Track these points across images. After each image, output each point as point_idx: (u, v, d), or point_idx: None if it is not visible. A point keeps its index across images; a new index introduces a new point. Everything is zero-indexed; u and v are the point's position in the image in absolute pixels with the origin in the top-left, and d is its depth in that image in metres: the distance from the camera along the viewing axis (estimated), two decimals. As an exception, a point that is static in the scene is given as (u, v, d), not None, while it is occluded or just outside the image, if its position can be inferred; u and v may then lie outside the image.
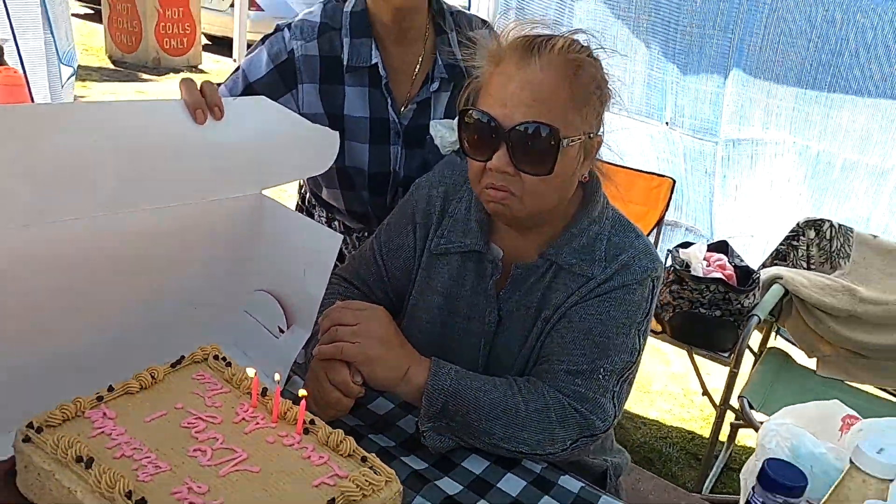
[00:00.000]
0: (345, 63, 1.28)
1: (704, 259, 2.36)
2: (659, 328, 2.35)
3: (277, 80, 1.28)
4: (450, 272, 1.13)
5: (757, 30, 2.10)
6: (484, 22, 1.40)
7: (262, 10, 9.63)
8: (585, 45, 0.98)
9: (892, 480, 0.74)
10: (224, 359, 0.89)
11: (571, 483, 0.96)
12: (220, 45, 9.50)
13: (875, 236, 2.34)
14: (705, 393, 2.42)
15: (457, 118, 1.01)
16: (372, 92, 1.31)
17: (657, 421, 2.65)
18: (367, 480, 0.72)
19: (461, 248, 1.11)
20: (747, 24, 2.11)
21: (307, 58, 1.28)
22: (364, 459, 0.76)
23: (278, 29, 1.31)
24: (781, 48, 2.09)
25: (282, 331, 1.09)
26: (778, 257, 2.48)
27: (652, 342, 2.67)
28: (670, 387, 2.86)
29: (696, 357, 2.34)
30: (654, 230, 2.66)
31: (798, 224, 2.42)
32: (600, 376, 1.01)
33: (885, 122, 2.01)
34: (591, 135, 0.99)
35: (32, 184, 0.79)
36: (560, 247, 1.04)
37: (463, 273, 1.11)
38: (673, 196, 2.55)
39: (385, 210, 1.30)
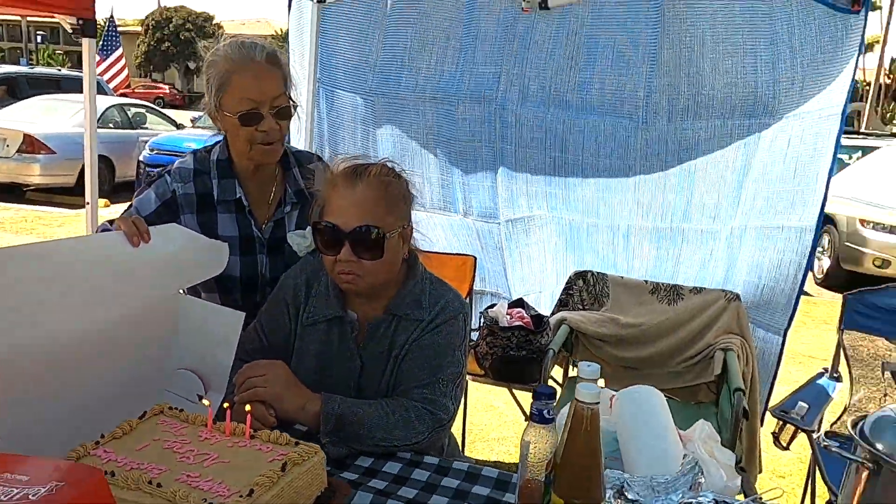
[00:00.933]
0: (216, 198, 1.72)
1: (507, 313, 2.98)
2: (482, 372, 2.91)
3: (164, 213, 1.67)
4: (320, 336, 1.56)
5: (511, 139, 2.87)
6: (318, 157, 1.92)
7: (55, 153, 9.40)
8: (391, 167, 1.53)
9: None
10: (177, 408, 1.24)
11: (429, 457, 1.42)
12: (7, 192, 9.18)
13: (622, 277, 3.13)
14: (527, 418, 2.99)
15: (308, 228, 1.49)
16: (239, 216, 1.75)
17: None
18: (302, 453, 1.12)
19: (326, 317, 1.56)
20: (504, 136, 2.89)
21: (186, 195, 1.70)
22: (297, 443, 1.16)
23: (160, 175, 1.72)
24: (530, 150, 2.87)
25: (200, 398, 1.44)
26: (561, 304, 3.18)
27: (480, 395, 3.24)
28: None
29: (516, 392, 2.93)
30: (468, 299, 3.27)
31: (570, 277, 3.14)
32: (440, 385, 1.50)
33: (607, 193, 2.82)
34: (405, 226, 1.51)
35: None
36: (398, 304, 1.53)
37: (330, 335, 1.56)
38: (476, 270, 3.18)
39: (256, 306, 1.70)
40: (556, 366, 2.93)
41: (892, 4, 25.16)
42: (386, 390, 1.53)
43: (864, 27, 2.23)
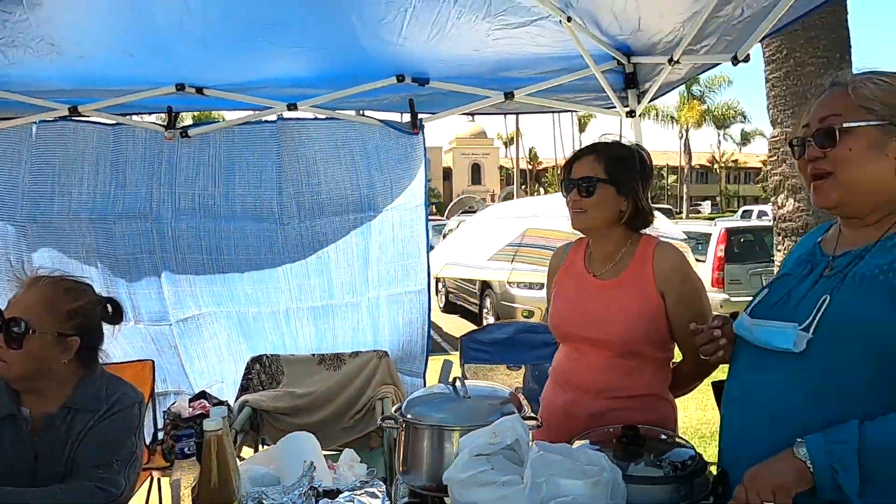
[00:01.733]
0: None
1: (190, 406, 3.24)
2: (170, 463, 3.09)
3: None
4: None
5: (170, 249, 3.23)
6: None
7: None
8: (73, 282, 1.80)
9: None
10: None
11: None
12: None
13: (293, 354, 3.60)
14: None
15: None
16: None
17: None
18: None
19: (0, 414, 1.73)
20: (163, 247, 3.23)
21: None
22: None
23: None
24: (189, 256, 3.25)
25: None
26: (242, 389, 3.52)
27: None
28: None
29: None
30: (150, 402, 3.42)
31: (247, 363, 3.51)
32: (115, 466, 1.76)
33: (263, 285, 3.33)
34: (62, 333, 1.78)
35: None
36: (74, 398, 1.77)
37: (3, 432, 1.73)
38: (156, 372, 3.37)
39: None
40: (245, 447, 3.25)
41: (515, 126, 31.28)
42: (63, 475, 1.74)
43: (424, 143, 3.14)
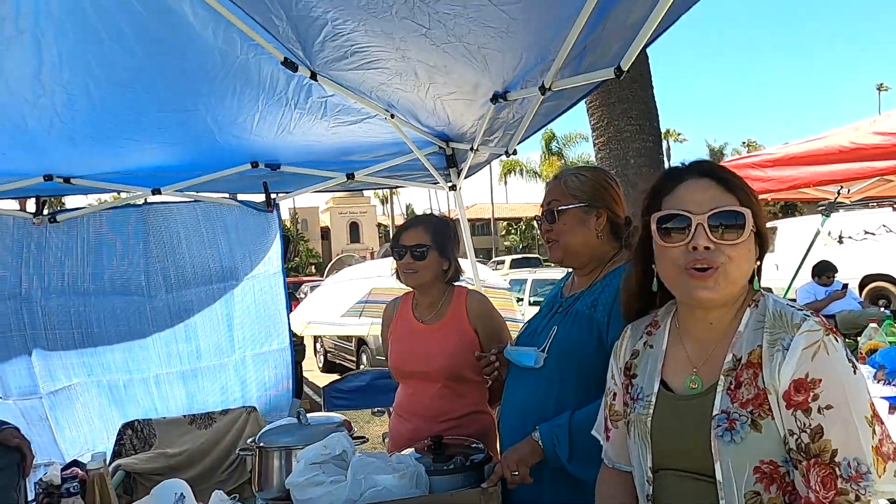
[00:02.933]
0: None
1: (63, 474, 3.40)
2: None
3: None
4: None
5: (40, 326, 3.44)
6: None
7: None
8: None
9: None
10: None
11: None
12: None
13: (164, 417, 3.85)
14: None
15: None
16: None
17: None
18: None
19: None
20: (33, 324, 3.44)
21: None
22: None
23: None
24: (60, 332, 3.48)
25: None
26: (116, 455, 3.71)
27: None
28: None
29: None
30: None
31: (119, 430, 3.72)
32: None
33: (133, 353, 3.61)
34: None
35: None
36: None
37: None
38: (25, 447, 3.51)
39: None
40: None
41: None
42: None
43: (279, 218, 3.62)
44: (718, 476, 1.18)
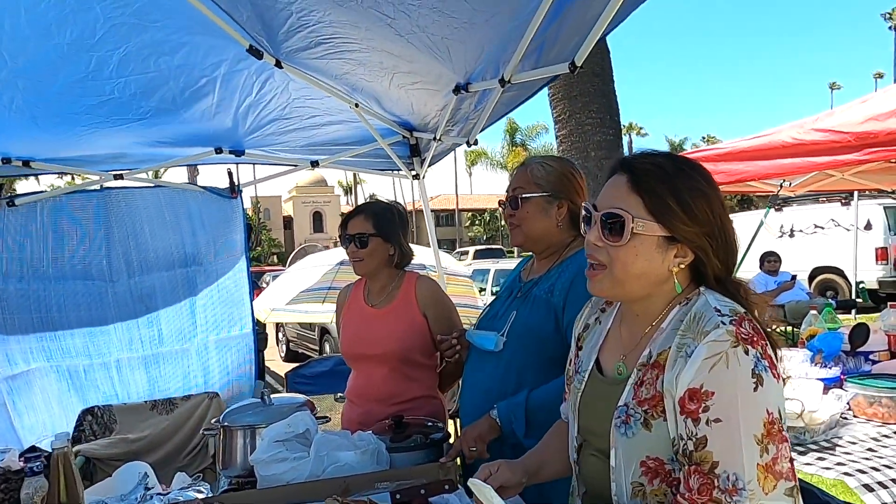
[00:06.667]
0: None
1: (21, 458, 3.38)
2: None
3: None
4: None
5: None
6: None
7: None
8: None
9: None
10: None
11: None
12: None
13: (125, 403, 3.85)
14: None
15: None
16: None
17: None
18: None
19: None
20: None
21: None
22: None
23: None
24: (19, 316, 3.44)
25: None
26: (75, 441, 3.69)
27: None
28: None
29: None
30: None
31: (78, 415, 3.69)
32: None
33: (93, 338, 3.59)
34: None
35: None
36: None
37: None
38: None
39: None
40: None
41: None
42: None
43: (242, 205, 3.64)
44: (612, 462, 1.26)
